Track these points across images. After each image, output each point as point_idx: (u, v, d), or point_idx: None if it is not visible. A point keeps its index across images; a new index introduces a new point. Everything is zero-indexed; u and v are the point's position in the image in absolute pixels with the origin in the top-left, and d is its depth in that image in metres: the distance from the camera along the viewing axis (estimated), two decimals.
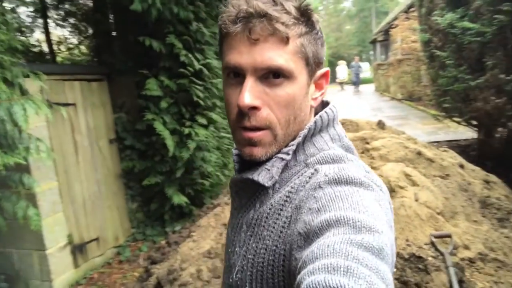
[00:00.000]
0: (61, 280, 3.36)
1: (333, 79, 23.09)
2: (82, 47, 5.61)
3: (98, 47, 4.69)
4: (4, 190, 2.63)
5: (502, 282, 2.55)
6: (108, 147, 4.08)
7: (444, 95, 6.41)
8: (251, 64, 0.64)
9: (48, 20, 4.75)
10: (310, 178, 0.65)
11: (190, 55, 3.80)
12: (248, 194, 0.74)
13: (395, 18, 16.54)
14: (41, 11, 4.67)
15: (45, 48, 4.84)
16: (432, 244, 2.44)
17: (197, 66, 3.86)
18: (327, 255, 0.45)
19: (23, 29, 4.62)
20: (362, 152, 3.80)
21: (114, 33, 4.62)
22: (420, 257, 2.46)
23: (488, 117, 5.41)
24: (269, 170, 0.69)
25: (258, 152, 0.69)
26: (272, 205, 0.68)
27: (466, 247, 2.76)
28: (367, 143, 3.97)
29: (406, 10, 14.97)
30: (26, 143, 2.53)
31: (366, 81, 25.58)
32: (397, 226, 2.70)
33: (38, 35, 5.34)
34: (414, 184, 3.20)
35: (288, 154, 0.70)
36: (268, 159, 0.70)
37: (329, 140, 0.73)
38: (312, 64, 0.69)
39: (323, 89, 0.75)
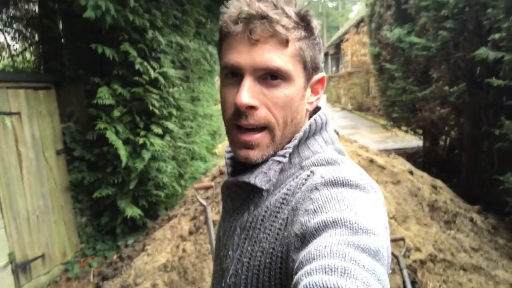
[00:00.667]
0: None
1: None
2: (27, 54, 5.31)
3: (46, 54, 4.45)
4: None
5: (450, 281, 2.68)
6: (55, 159, 3.86)
7: (392, 106, 6.74)
8: (250, 64, 0.64)
9: None
10: (306, 180, 0.65)
11: (145, 63, 3.70)
12: (242, 197, 0.73)
13: (346, 33, 17.29)
14: None
15: None
16: None
17: (153, 74, 3.76)
18: (324, 256, 0.45)
19: None
20: None
21: (63, 40, 4.40)
22: None
23: (433, 126, 5.75)
24: (266, 173, 0.69)
25: (254, 155, 0.68)
26: (267, 207, 0.67)
27: (418, 249, 2.88)
28: None
29: (356, 25, 15.69)
30: None
31: None
32: None
33: None
34: None
35: (285, 157, 0.70)
36: (264, 161, 0.69)
37: (323, 143, 0.73)
38: (309, 68, 0.69)
39: (319, 94, 0.76)
